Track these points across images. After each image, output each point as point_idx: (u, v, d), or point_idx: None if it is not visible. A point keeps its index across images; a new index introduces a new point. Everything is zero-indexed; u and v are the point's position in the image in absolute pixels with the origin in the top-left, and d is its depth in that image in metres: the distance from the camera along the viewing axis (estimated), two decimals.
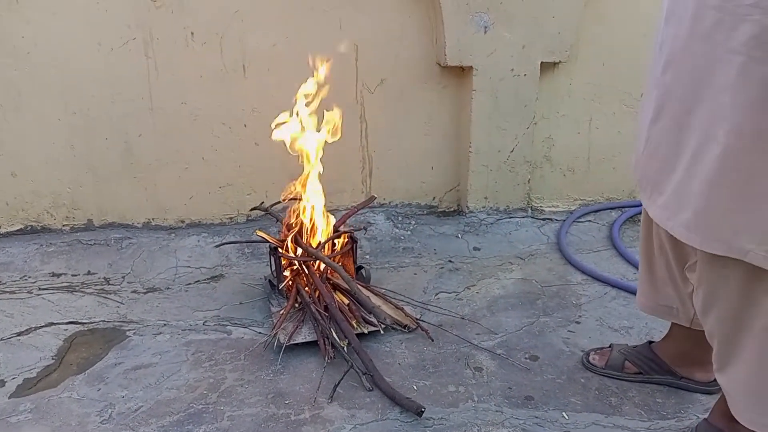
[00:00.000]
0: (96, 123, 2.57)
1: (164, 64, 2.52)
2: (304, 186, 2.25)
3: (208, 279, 2.45)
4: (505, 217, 2.85)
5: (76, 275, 2.46)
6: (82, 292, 2.35)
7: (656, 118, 1.33)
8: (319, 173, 2.26)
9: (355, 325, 1.99)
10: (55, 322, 2.16)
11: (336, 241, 2.27)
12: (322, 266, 2.20)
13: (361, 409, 1.71)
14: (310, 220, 2.24)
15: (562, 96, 2.78)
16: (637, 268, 2.42)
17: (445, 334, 2.05)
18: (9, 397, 1.79)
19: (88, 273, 2.48)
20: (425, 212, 2.92)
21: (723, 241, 1.21)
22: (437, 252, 2.63)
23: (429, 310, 2.19)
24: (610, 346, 1.89)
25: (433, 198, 2.93)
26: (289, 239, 2.19)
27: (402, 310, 2.11)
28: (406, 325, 2.06)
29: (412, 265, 2.54)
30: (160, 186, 2.70)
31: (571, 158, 2.90)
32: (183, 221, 2.77)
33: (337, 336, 1.93)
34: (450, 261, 2.55)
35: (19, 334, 2.09)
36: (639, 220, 2.80)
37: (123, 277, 2.45)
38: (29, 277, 2.44)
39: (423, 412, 1.66)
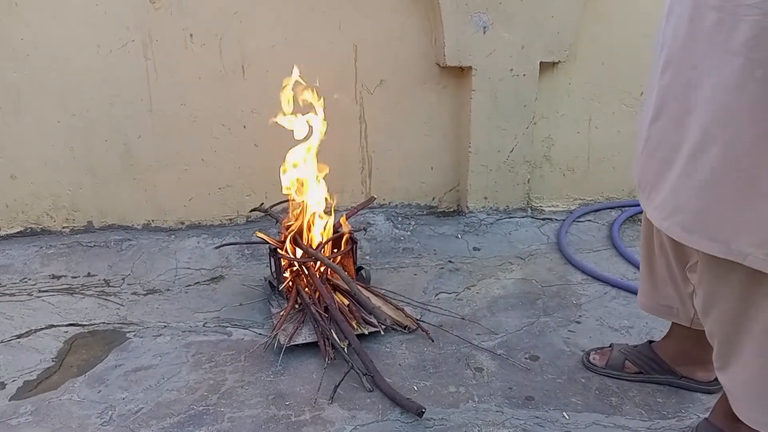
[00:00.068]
0: (95, 125, 2.57)
1: (163, 66, 2.52)
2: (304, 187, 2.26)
3: (208, 280, 2.45)
4: (505, 217, 2.85)
5: (76, 277, 2.46)
6: (82, 294, 2.35)
7: (655, 117, 1.33)
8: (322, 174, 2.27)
9: (355, 325, 1.99)
10: (55, 324, 2.16)
11: (336, 241, 2.27)
12: (322, 267, 2.20)
13: (362, 410, 1.71)
14: (310, 221, 2.24)
15: (562, 96, 2.78)
16: (637, 267, 2.43)
17: (445, 334, 2.05)
18: (9, 400, 1.79)
19: (88, 275, 2.48)
20: (425, 212, 2.92)
21: (722, 243, 1.21)
22: (437, 252, 2.63)
23: (429, 310, 2.19)
24: (610, 346, 1.89)
25: (433, 198, 2.93)
26: (288, 240, 2.19)
27: (402, 310, 2.11)
28: (406, 326, 2.06)
29: (412, 265, 2.54)
30: (160, 187, 2.70)
31: (571, 158, 2.90)
32: (183, 223, 2.77)
33: (338, 337, 1.93)
34: (450, 261, 2.55)
35: (19, 336, 2.09)
36: (639, 220, 2.83)
37: (123, 279, 2.45)
38: (29, 280, 2.44)
39: (423, 412, 1.66)
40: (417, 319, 2.10)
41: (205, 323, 2.15)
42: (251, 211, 2.55)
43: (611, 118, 2.85)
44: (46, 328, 2.14)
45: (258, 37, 2.54)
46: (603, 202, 2.97)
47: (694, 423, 1.62)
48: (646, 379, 1.80)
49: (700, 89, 1.19)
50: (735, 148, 1.15)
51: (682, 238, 1.28)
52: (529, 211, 2.90)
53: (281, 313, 2.06)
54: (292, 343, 1.94)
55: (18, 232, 2.68)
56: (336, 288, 2.18)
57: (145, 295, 2.35)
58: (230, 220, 2.80)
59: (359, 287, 2.13)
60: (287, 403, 1.75)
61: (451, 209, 2.94)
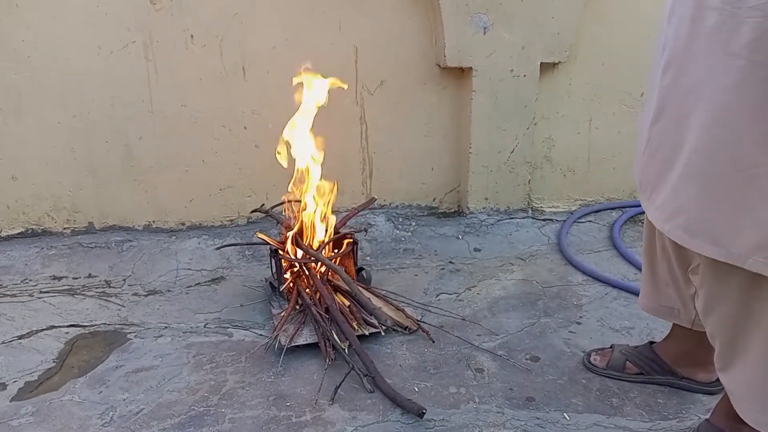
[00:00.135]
0: (96, 126, 2.57)
1: (164, 67, 2.53)
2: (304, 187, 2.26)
3: (208, 281, 2.45)
4: (506, 217, 2.85)
5: (77, 278, 2.46)
6: (83, 295, 2.35)
7: (656, 119, 1.32)
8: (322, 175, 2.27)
9: (356, 326, 1.99)
10: (56, 325, 2.16)
11: (336, 242, 2.27)
12: (323, 268, 2.20)
13: (363, 411, 1.71)
14: (310, 221, 2.24)
15: (562, 96, 2.78)
16: (637, 268, 2.43)
17: (446, 335, 2.05)
18: (10, 401, 1.79)
19: (89, 276, 2.48)
20: (426, 213, 2.92)
21: (722, 246, 1.21)
22: (438, 253, 2.63)
23: (430, 311, 2.19)
24: (611, 347, 1.89)
25: (434, 199, 2.93)
26: (289, 241, 2.19)
27: (403, 311, 2.11)
28: (407, 327, 2.06)
29: (413, 266, 2.54)
30: (161, 188, 2.70)
31: (572, 158, 2.90)
32: (183, 224, 2.77)
33: (338, 338, 1.93)
34: (450, 262, 2.55)
35: (20, 337, 2.09)
36: (639, 221, 2.83)
37: (124, 280, 2.45)
38: (30, 281, 2.45)
39: (424, 413, 1.66)
40: (418, 320, 2.10)
41: (206, 324, 2.16)
42: (252, 212, 2.55)
43: (612, 119, 2.85)
44: (47, 329, 2.14)
45: (258, 37, 2.54)
46: (604, 202, 2.97)
47: (695, 424, 1.62)
48: (647, 380, 1.80)
49: (701, 90, 1.19)
50: (736, 149, 1.15)
51: (684, 241, 1.28)
52: (530, 211, 2.90)
53: (282, 314, 2.06)
54: (292, 344, 1.94)
55: (19, 233, 2.68)
56: (337, 289, 2.18)
57: (145, 296, 2.35)
58: (231, 221, 2.80)
59: (360, 288, 2.13)
60: (288, 404, 1.75)
61: (452, 210, 2.94)
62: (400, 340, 2.03)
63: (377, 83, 2.68)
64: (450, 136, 2.82)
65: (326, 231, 2.26)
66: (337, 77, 2.25)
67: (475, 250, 2.65)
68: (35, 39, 2.43)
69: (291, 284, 2.19)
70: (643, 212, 2.81)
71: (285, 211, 2.33)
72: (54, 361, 1.97)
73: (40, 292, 2.37)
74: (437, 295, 2.32)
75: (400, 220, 2.86)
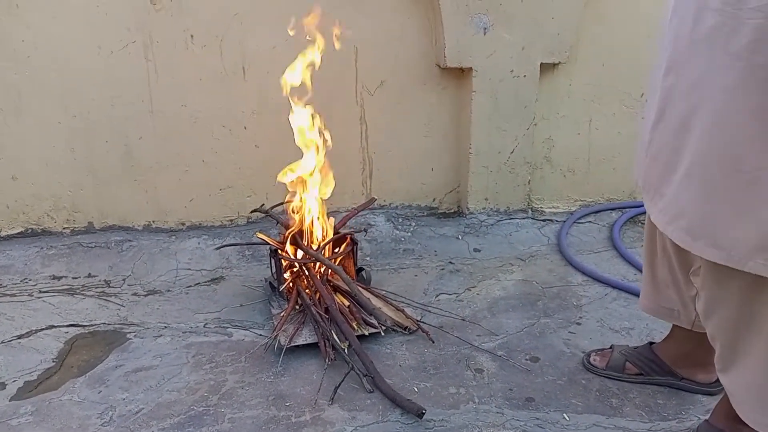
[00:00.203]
0: (96, 126, 2.57)
1: (164, 67, 2.53)
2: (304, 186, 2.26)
3: (208, 281, 2.45)
4: (506, 218, 2.85)
5: (76, 278, 2.46)
6: (82, 294, 2.35)
7: (658, 120, 1.32)
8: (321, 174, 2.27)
9: (355, 326, 1.99)
10: (55, 324, 2.16)
11: (336, 242, 2.28)
12: (323, 268, 2.20)
13: (362, 411, 1.71)
14: (310, 222, 2.24)
15: (562, 97, 2.78)
16: (637, 269, 2.43)
17: (445, 335, 2.05)
18: (9, 400, 1.79)
19: (89, 276, 2.48)
20: (425, 214, 2.92)
21: (723, 249, 1.20)
22: (438, 253, 2.63)
23: (429, 311, 2.19)
24: (610, 347, 1.89)
25: (434, 199, 2.93)
26: (289, 241, 2.19)
27: (402, 311, 2.11)
28: (406, 327, 2.06)
29: (413, 266, 2.54)
30: (161, 188, 2.70)
31: (572, 159, 2.90)
32: (183, 224, 2.77)
33: (338, 338, 1.93)
34: (450, 262, 2.55)
35: (19, 336, 2.09)
36: (639, 221, 2.83)
37: (123, 280, 2.45)
38: (30, 280, 2.45)
39: (424, 413, 1.65)
40: (417, 320, 2.10)
41: (206, 324, 2.16)
42: (252, 212, 2.55)
43: (612, 120, 2.85)
44: (46, 328, 2.14)
45: (258, 38, 2.54)
46: (603, 203, 2.97)
47: (694, 425, 1.62)
48: (647, 381, 1.80)
49: (702, 91, 1.18)
50: (736, 151, 1.14)
51: (685, 243, 1.28)
52: (530, 212, 2.90)
53: (282, 314, 2.06)
54: (292, 344, 1.94)
55: (19, 233, 2.68)
56: (336, 289, 2.18)
57: (145, 295, 2.35)
58: (231, 221, 2.80)
59: (360, 288, 2.13)
60: (287, 404, 1.74)
61: (452, 210, 2.94)
62: (400, 340, 2.03)
63: (377, 83, 2.68)
64: (450, 136, 2.82)
65: (325, 231, 2.27)
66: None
67: (475, 250, 2.65)
68: (35, 39, 2.43)
69: (291, 284, 2.19)
70: (643, 213, 2.82)
71: (289, 211, 2.33)
72: (53, 361, 1.97)
73: (40, 291, 2.37)
74: (437, 296, 2.32)
75: (400, 220, 2.86)
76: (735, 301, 1.29)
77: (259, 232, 2.27)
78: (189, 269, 2.52)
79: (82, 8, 2.41)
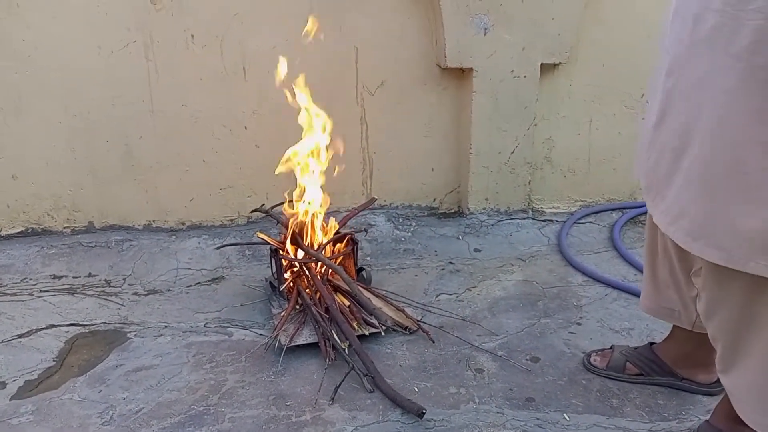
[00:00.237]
0: (97, 125, 2.57)
1: (164, 67, 2.53)
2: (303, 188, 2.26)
3: (208, 281, 2.45)
4: (506, 218, 2.85)
5: (77, 277, 2.46)
6: (83, 294, 2.35)
7: (659, 122, 1.32)
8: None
9: (356, 326, 1.99)
10: (56, 324, 2.16)
11: (337, 242, 2.28)
12: (323, 268, 2.20)
13: (362, 411, 1.71)
14: (311, 221, 2.24)
15: (563, 97, 2.79)
16: (637, 269, 2.44)
17: (446, 335, 2.05)
18: (10, 399, 1.79)
19: (89, 275, 2.48)
20: (426, 214, 2.92)
21: (723, 250, 1.20)
22: (438, 253, 2.63)
23: (430, 311, 2.19)
24: (611, 348, 1.89)
25: (434, 199, 2.93)
26: (289, 241, 2.19)
27: (403, 311, 2.11)
28: (407, 327, 2.06)
29: (413, 266, 2.54)
30: (161, 188, 2.70)
31: (572, 159, 2.90)
32: (184, 223, 2.77)
33: (338, 338, 1.93)
34: (451, 262, 2.55)
35: (20, 336, 2.09)
36: (639, 222, 2.83)
37: (124, 279, 2.45)
38: (30, 279, 2.45)
39: (424, 413, 1.66)
40: (418, 320, 2.10)
41: (206, 323, 2.16)
42: (252, 211, 2.55)
43: (612, 120, 2.85)
44: (47, 327, 2.14)
45: (259, 38, 2.54)
46: (604, 203, 2.98)
47: (695, 425, 1.63)
48: (647, 381, 1.80)
49: (703, 93, 1.18)
50: (737, 152, 1.14)
51: (686, 244, 1.28)
52: (530, 212, 2.90)
53: (282, 314, 2.06)
54: (292, 344, 1.94)
55: (19, 232, 2.68)
56: (337, 289, 2.18)
57: (145, 295, 2.35)
58: (231, 220, 2.80)
59: (360, 288, 2.13)
60: (288, 404, 1.75)
61: (452, 210, 2.94)
62: (400, 340, 2.03)
63: (378, 83, 2.68)
64: (450, 136, 2.82)
65: (326, 230, 2.27)
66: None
67: (475, 250, 2.66)
68: (36, 39, 2.43)
69: (291, 284, 2.19)
70: (644, 213, 2.83)
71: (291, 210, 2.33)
72: (54, 360, 1.97)
73: (40, 291, 2.37)
74: (437, 296, 2.32)
75: (401, 220, 2.86)
76: (736, 302, 1.29)
77: (260, 232, 2.27)
78: (189, 269, 2.52)
79: (83, 8, 2.41)
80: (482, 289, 2.36)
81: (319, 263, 2.17)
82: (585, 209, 2.94)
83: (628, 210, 2.91)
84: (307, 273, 2.17)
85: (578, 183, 2.94)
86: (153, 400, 1.77)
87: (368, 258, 2.60)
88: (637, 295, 2.17)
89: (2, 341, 2.06)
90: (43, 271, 2.50)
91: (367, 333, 2.00)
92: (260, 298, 2.31)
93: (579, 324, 2.13)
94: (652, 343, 1.84)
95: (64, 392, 1.81)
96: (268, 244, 2.23)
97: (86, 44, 2.46)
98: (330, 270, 2.19)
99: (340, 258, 2.26)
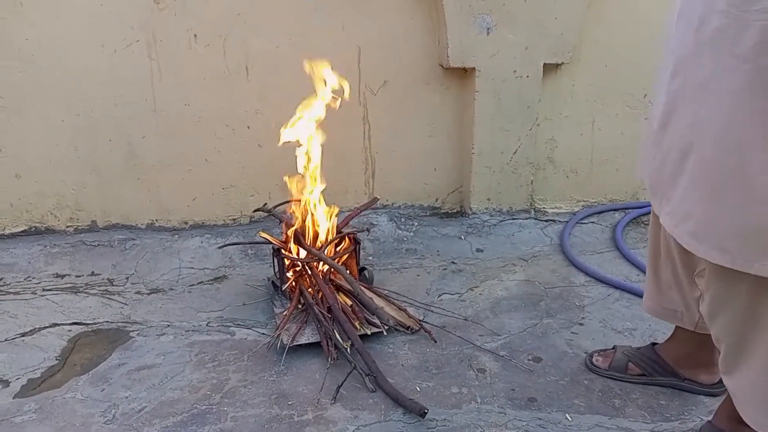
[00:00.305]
0: (99, 125, 2.58)
1: (167, 66, 2.53)
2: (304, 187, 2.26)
3: (211, 280, 2.45)
4: (508, 218, 2.85)
5: (79, 276, 2.47)
6: (85, 293, 2.36)
7: (665, 123, 1.32)
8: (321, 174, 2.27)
9: (358, 326, 1.99)
10: (58, 322, 2.16)
11: (339, 242, 2.28)
12: (326, 267, 2.20)
13: (364, 410, 1.71)
14: (313, 221, 2.24)
15: (565, 97, 2.78)
16: (640, 269, 2.43)
17: (448, 335, 2.05)
18: (13, 398, 1.79)
19: (92, 274, 2.48)
20: (428, 213, 2.92)
21: (728, 252, 1.20)
22: (440, 253, 2.63)
23: (432, 311, 2.19)
24: (613, 348, 1.89)
25: (436, 199, 2.93)
26: (291, 241, 2.20)
27: (405, 311, 2.11)
28: (409, 327, 2.07)
29: (415, 266, 2.54)
30: (164, 187, 2.71)
31: (574, 159, 2.90)
32: (186, 222, 2.78)
33: (341, 337, 1.93)
34: (453, 262, 2.55)
35: (23, 334, 2.10)
36: (642, 222, 2.83)
37: (127, 278, 2.45)
38: (33, 278, 2.45)
39: (426, 413, 1.66)
40: (420, 320, 2.10)
41: (209, 323, 2.16)
42: (255, 211, 2.55)
43: (614, 120, 2.85)
44: (50, 326, 2.14)
45: (262, 37, 2.54)
46: (606, 204, 2.97)
47: (697, 426, 1.62)
48: (649, 382, 1.80)
49: (708, 94, 1.18)
50: (742, 153, 1.14)
51: (691, 246, 1.28)
52: (533, 212, 2.90)
53: (284, 313, 2.06)
54: (295, 343, 1.94)
55: (22, 231, 2.69)
56: (339, 288, 2.18)
57: (148, 294, 2.35)
58: (234, 220, 2.80)
59: (362, 288, 2.13)
60: (290, 403, 1.75)
61: (454, 210, 2.94)
62: (403, 339, 2.03)
63: (380, 83, 2.68)
64: (453, 136, 2.82)
65: (328, 230, 2.27)
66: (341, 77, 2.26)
67: (478, 250, 2.65)
68: (39, 38, 2.43)
69: (293, 283, 2.19)
70: (646, 214, 2.82)
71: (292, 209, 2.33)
72: (57, 359, 1.97)
73: (43, 289, 2.38)
74: (439, 296, 2.32)
75: (403, 220, 2.86)
76: (740, 304, 1.28)
77: (262, 231, 2.27)
78: (192, 268, 2.52)
79: (86, 7, 2.41)
80: (484, 289, 2.36)
81: (322, 263, 2.17)
82: (587, 209, 2.94)
83: (630, 210, 2.91)
84: (309, 272, 2.17)
85: (581, 183, 2.94)
86: (155, 399, 1.77)
87: (370, 258, 2.60)
88: (639, 295, 2.17)
89: (5, 340, 2.07)
90: (46, 269, 2.50)
91: (369, 332, 2.00)
92: (262, 298, 2.31)
93: (581, 324, 2.12)
94: (654, 344, 1.84)
95: (67, 391, 1.82)
96: (271, 243, 2.23)
97: (89, 43, 2.46)
98: (332, 269, 2.19)
99: (343, 258, 2.26)
